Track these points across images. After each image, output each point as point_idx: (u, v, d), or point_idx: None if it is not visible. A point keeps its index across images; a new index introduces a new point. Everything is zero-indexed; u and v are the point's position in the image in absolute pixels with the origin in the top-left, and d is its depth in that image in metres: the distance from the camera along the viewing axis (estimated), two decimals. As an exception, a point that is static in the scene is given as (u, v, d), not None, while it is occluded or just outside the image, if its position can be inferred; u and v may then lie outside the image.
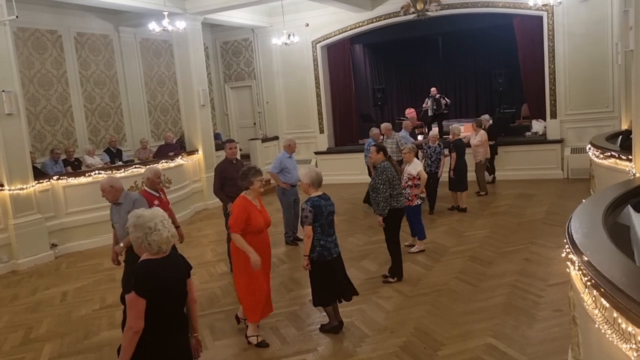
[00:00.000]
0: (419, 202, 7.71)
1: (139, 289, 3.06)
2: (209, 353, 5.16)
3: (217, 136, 14.90)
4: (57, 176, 9.64)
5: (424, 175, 7.74)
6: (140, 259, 3.22)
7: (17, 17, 8.42)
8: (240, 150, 14.42)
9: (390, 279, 6.64)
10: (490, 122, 12.50)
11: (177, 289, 3.28)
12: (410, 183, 7.62)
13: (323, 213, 5.10)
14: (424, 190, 8.02)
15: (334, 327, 5.34)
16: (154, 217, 3.19)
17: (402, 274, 6.67)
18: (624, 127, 10.05)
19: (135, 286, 3.07)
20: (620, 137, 8.59)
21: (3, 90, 8.52)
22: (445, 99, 15.24)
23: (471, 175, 10.72)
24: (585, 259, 2.91)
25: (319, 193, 5.19)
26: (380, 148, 6.59)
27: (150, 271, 3.14)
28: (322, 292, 5.28)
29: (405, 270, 6.96)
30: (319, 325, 5.48)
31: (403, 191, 7.66)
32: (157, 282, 3.12)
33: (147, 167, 6.21)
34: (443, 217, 9.63)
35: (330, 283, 5.27)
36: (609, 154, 7.14)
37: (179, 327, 3.31)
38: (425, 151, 10.12)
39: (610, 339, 2.53)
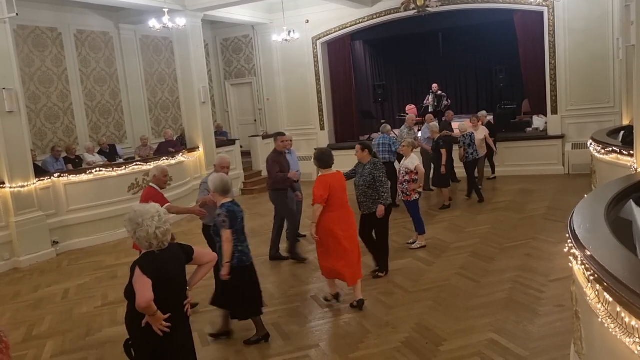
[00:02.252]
0: (417, 197, 7.70)
1: (144, 268, 3.17)
2: (210, 349, 5.17)
3: (223, 134, 14.91)
4: (58, 174, 9.64)
5: (422, 170, 7.72)
6: (142, 253, 3.33)
7: (17, 14, 8.41)
8: (242, 147, 14.60)
9: (380, 274, 6.68)
10: (488, 118, 12.47)
11: (178, 280, 3.40)
12: (407, 178, 7.61)
13: (237, 218, 4.98)
14: (422, 185, 7.93)
15: (263, 337, 5.19)
16: (144, 213, 3.26)
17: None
18: (625, 122, 10.03)
19: (140, 267, 3.18)
20: (622, 132, 8.57)
21: (4, 88, 8.51)
22: (447, 100, 15.23)
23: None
24: (588, 253, 2.91)
25: (229, 199, 5.04)
26: (365, 146, 6.50)
27: (152, 261, 3.25)
28: (246, 301, 5.08)
29: (406, 266, 6.98)
30: (243, 341, 5.19)
31: (400, 186, 7.69)
32: (160, 270, 3.23)
33: (155, 165, 6.24)
34: (444, 213, 9.63)
35: (253, 290, 5.13)
36: (611, 149, 7.13)
37: (182, 318, 3.40)
38: (462, 143, 10.42)
39: (614, 333, 2.53)
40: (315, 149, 6.61)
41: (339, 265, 5.67)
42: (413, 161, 7.70)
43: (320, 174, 5.82)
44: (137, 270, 3.17)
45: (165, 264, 3.28)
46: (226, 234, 4.87)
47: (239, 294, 5.02)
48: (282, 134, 8.11)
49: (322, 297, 6.12)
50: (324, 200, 5.58)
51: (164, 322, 3.23)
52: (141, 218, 3.23)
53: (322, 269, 5.94)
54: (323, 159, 5.79)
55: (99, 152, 12.21)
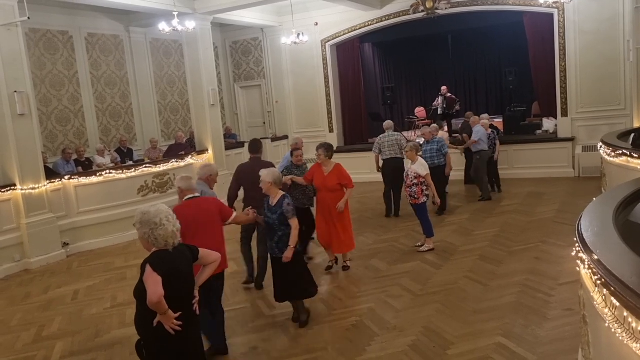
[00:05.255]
0: (425, 200, 7.68)
1: (154, 266, 3.23)
2: (218, 351, 5.18)
3: (232, 136, 14.96)
4: (69, 176, 9.71)
5: (430, 180, 7.68)
6: (152, 252, 3.38)
7: (28, 18, 8.48)
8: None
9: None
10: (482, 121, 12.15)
11: (188, 278, 3.46)
12: (416, 181, 7.59)
13: None
14: (430, 187, 7.88)
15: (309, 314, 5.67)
16: (159, 213, 3.35)
17: None
18: (636, 124, 9.97)
19: (151, 265, 3.23)
20: (633, 135, 8.51)
21: (15, 91, 8.60)
22: (458, 103, 15.19)
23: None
24: (595, 257, 2.89)
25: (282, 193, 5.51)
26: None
27: (163, 257, 3.31)
28: (309, 281, 5.66)
29: (414, 269, 6.97)
30: (299, 324, 5.57)
31: (409, 189, 7.67)
32: (170, 268, 3.29)
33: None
34: (452, 216, 9.60)
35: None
36: (621, 152, 7.07)
37: (192, 317, 3.45)
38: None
39: (621, 338, 2.50)
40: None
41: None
42: (423, 167, 7.65)
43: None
44: (148, 268, 3.22)
45: (176, 262, 3.35)
46: (295, 222, 5.32)
47: (305, 274, 5.60)
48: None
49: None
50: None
51: (175, 321, 3.26)
52: (158, 218, 3.31)
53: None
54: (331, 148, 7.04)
55: (117, 150, 12.35)
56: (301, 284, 5.53)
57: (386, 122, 10.38)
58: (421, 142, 9.61)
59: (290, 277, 5.45)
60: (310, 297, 5.68)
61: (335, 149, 14.66)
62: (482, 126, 10.66)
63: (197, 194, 4.98)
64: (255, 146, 7.11)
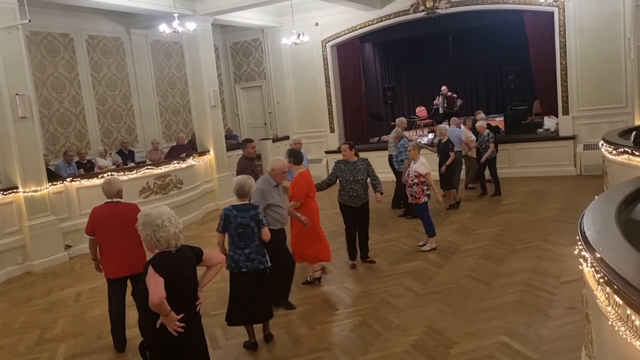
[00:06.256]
0: (426, 200, 7.68)
1: (156, 267, 3.23)
2: (221, 352, 5.19)
3: (233, 137, 14.97)
4: (71, 178, 9.72)
5: (431, 179, 7.68)
6: (154, 253, 3.38)
7: (29, 21, 8.50)
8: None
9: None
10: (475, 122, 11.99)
11: (191, 280, 3.46)
12: (416, 181, 7.59)
13: (232, 224, 5.05)
14: (430, 186, 7.88)
15: (250, 344, 5.16)
16: (161, 214, 3.36)
17: None
18: (637, 122, 9.95)
19: (153, 266, 3.24)
20: (634, 132, 8.49)
21: (17, 94, 8.60)
22: (459, 100, 15.20)
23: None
24: (598, 255, 2.89)
25: (243, 202, 5.15)
26: (352, 146, 7.21)
27: (165, 258, 3.31)
28: (228, 306, 5.16)
29: (416, 269, 6.97)
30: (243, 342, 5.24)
31: (409, 189, 7.67)
32: (172, 269, 3.29)
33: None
34: (454, 215, 9.60)
35: (232, 298, 5.12)
36: (622, 149, 7.06)
37: (195, 318, 3.46)
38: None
39: (624, 336, 2.50)
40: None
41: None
42: (424, 166, 7.65)
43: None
44: (150, 269, 3.23)
45: (179, 264, 3.36)
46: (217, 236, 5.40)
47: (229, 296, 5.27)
48: (250, 140, 8.52)
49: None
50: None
51: (178, 322, 3.27)
52: (160, 219, 3.31)
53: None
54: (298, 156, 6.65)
55: (118, 152, 12.36)
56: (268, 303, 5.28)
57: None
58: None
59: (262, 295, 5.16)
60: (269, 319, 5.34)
61: (337, 148, 14.91)
62: (456, 126, 10.97)
63: (117, 200, 5.46)
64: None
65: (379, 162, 11.14)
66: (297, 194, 6.46)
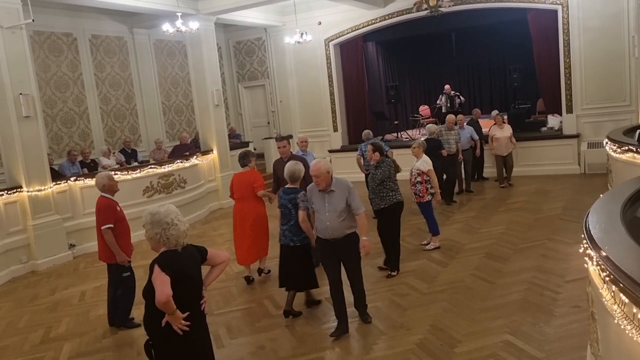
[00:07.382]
0: (430, 198, 7.67)
1: (162, 266, 3.23)
2: (225, 351, 5.19)
3: (237, 136, 14.98)
4: (74, 177, 9.74)
5: (434, 175, 7.65)
6: (160, 252, 3.38)
7: (33, 20, 8.52)
8: (255, 149, 14.64)
9: (392, 273, 6.79)
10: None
11: (196, 279, 3.46)
12: (419, 179, 7.57)
13: (280, 203, 5.84)
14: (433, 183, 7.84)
15: (284, 312, 5.79)
16: (169, 212, 3.36)
17: None
18: (642, 120, 9.90)
19: (159, 264, 3.24)
20: (638, 131, 8.46)
21: (20, 93, 8.63)
22: (460, 97, 15.18)
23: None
24: (604, 254, 2.88)
25: (293, 186, 5.78)
26: (377, 148, 6.92)
27: (171, 257, 3.31)
28: (311, 275, 5.86)
29: (420, 267, 6.96)
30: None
31: (413, 187, 7.65)
32: (178, 268, 3.29)
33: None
34: (458, 214, 9.58)
35: (279, 266, 5.92)
36: (627, 148, 7.03)
37: (200, 317, 3.46)
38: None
39: (630, 334, 2.49)
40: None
41: None
42: (426, 163, 7.64)
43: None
44: (156, 268, 3.23)
45: (184, 263, 3.36)
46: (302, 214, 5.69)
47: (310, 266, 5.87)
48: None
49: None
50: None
51: (183, 321, 3.27)
52: (169, 217, 3.32)
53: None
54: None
55: (122, 151, 12.38)
56: (305, 276, 5.77)
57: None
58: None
59: (295, 268, 5.71)
60: (309, 289, 5.96)
61: (340, 147, 14.93)
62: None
63: (106, 195, 6.22)
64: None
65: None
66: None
